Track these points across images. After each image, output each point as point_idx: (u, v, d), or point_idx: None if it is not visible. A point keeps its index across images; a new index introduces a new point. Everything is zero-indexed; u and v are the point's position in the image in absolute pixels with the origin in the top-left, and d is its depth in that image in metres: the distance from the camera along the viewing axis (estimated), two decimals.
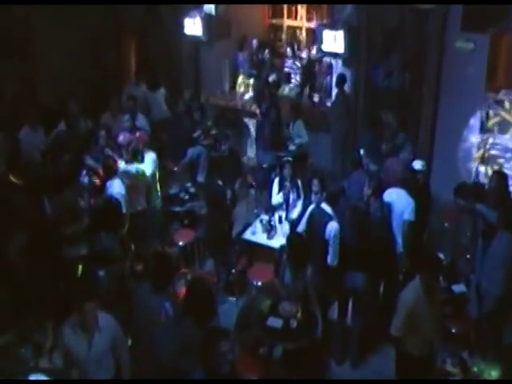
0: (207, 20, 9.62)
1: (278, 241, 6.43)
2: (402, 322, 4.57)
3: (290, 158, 7.11)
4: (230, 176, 7.21)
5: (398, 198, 5.93)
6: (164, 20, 10.23)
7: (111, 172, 6.47)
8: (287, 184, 6.74)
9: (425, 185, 6.60)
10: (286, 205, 6.70)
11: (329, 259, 5.57)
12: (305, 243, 5.35)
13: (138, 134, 7.17)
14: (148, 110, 8.76)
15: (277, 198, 6.82)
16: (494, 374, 4.51)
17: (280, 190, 6.80)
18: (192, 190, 7.52)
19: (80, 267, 5.79)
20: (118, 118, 7.87)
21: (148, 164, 6.90)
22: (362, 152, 7.61)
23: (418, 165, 6.44)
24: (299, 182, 6.76)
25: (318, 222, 5.60)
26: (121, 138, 7.08)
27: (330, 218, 5.53)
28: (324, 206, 5.66)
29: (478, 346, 4.83)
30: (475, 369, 4.60)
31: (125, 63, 10.26)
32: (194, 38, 9.76)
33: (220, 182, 6.70)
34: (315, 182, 5.97)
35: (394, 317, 4.62)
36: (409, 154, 7.06)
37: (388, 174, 6.83)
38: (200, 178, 7.77)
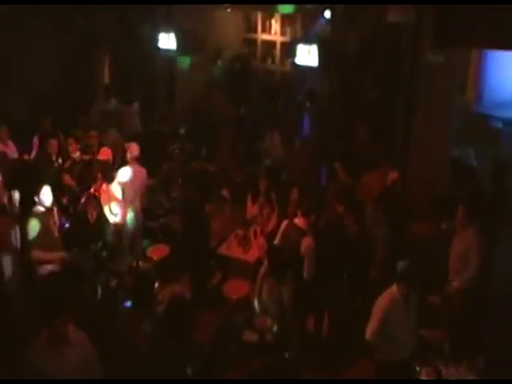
0: (182, 34, 9.64)
1: (254, 255, 6.42)
2: (376, 327, 4.58)
3: (265, 172, 7.13)
4: (206, 192, 7.21)
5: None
6: (138, 34, 10.21)
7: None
8: (262, 197, 6.74)
9: (400, 195, 6.64)
10: (261, 218, 6.69)
11: (304, 274, 5.56)
12: (282, 256, 5.35)
13: (131, 144, 7.10)
14: (121, 124, 8.69)
15: (251, 212, 6.80)
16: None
17: (255, 203, 6.79)
18: (166, 204, 7.45)
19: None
20: (88, 134, 7.80)
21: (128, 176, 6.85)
22: (337, 165, 7.64)
23: (394, 175, 6.47)
24: (274, 196, 6.76)
25: (291, 237, 5.62)
26: (101, 152, 7.05)
27: (304, 233, 5.53)
28: (297, 220, 5.65)
29: (452, 355, 4.84)
30: (450, 379, 4.60)
31: (98, 77, 10.19)
32: (168, 52, 9.77)
33: (195, 197, 6.68)
34: (294, 190, 5.98)
35: (370, 322, 4.64)
36: (388, 168, 7.04)
37: (365, 189, 6.89)
38: (174, 193, 7.70)
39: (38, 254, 5.64)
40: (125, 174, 6.90)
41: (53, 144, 7.50)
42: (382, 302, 4.64)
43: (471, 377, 4.55)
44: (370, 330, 4.62)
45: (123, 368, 4.47)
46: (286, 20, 11.40)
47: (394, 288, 4.64)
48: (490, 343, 4.37)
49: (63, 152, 7.65)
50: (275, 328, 5.21)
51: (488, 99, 11.58)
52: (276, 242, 5.87)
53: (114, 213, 6.69)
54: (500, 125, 10.87)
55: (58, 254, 5.77)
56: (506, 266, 6.43)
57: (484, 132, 10.11)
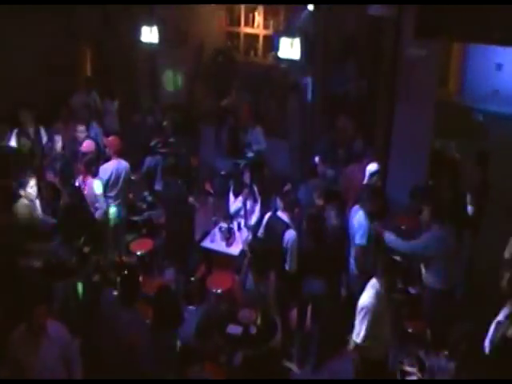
0: (164, 28, 9.56)
1: (237, 248, 6.43)
2: (367, 331, 4.54)
3: (248, 165, 7.13)
4: (189, 185, 7.19)
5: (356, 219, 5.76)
6: (120, 28, 10.11)
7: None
8: (245, 190, 6.75)
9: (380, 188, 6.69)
10: (244, 211, 6.70)
11: (287, 266, 5.58)
12: (265, 248, 5.37)
13: (110, 138, 7.05)
14: (101, 118, 8.61)
15: (235, 204, 6.82)
16: (448, 370, 4.52)
17: (237, 196, 6.80)
18: (149, 198, 7.42)
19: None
20: (69, 127, 7.71)
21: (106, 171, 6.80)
22: (317, 159, 7.67)
23: (372, 167, 6.52)
24: (256, 189, 6.77)
25: (275, 230, 5.62)
26: (84, 145, 6.97)
27: (287, 227, 5.56)
28: (280, 214, 5.69)
29: (432, 344, 4.91)
30: (431, 367, 4.64)
31: (80, 72, 10.08)
32: (150, 46, 9.68)
33: (179, 185, 6.67)
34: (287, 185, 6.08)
35: (358, 326, 4.58)
36: (370, 161, 7.06)
37: (348, 181, 6.92)
38: (158, 187, 7.68)
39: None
40: (107, 168, 6.88)
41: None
42: (366, 305, 4.56)
43: (452, 365, 4.61)
44: (359, 335, 4.56)
45: (107, 362, 4.49)
46: (268, 13, 11.38)
47: (376, 285, 4.64)
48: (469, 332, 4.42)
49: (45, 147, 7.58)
50: (259, 321, 5.23)
51: (469, 92, 11.70)
52: (259, 234, 5.88)
53: (97, 207, 6.64)
54: (481, 117, 11.01)
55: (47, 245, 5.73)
56: (485, 256, 6.52)
57: (465, 124, 10.22)
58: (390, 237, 5.55)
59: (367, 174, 6.52)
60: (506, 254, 5.54)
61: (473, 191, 6.60)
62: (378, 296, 4.59)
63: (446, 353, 4.71)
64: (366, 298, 4.60)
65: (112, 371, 4.38)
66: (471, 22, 7.41)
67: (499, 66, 11.92)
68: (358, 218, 5.69)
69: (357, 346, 4.61)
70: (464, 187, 6.77)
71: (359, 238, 5.61)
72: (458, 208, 6.55)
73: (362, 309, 4.56)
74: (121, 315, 4.46)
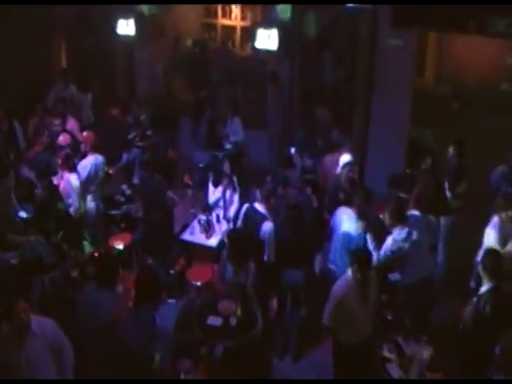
0: (141, 20, 9.45)
1: (217, 240, 6.43)
2: (331, 312, 4.71)
3: (227, 156, 7.13)
4: (168, 178, 7.15)
5: (346, 219, 5.62)
6: (96, 20, 9.98)
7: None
8: (225, 180, 6.74)
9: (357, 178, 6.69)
10: (224, 201, 6.69)
11: (265, 257, 5.59)
12: (244, 238, 5.38)
13: (85, 133, 6.97)
14: (76, 112, 8.50)
15: (214, 195, 6.80)
16: (426, 355, 4.63)
17: (217, 186, 6.79)
18: (128, 192, 7.36)
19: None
20: (46, 121, 7.61)
21: (85, 166, 6.76)
22: (292, 150, 7.67)
23: (345, 158, 6.53)
24: (235, 180, 6.76)
25: (252, 221, 5.63)
26: (61, 138, 6.87)
27: (264, 218, 5.57)
28: (257, 205, 5.69)
29: (411, 330, 4.97)
30: (410, 352, 4.71)
31: (56, 65, 9.93)
32: (127, 39, 9.56)
33: (157, 178, 6.64)
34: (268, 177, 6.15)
35: (326, 307, 4.77)
36: (348, 150, 7.08)
37: (325, 171, 6.94)
38: (136, 180, 7.62)
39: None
40: (86, 164, 6.82)
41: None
42: (336, 289, 4.76)
43: (430, 350, 4.68)
44: (325, 315, 4.74)
45: (92, 346, 4.50)
46: (245, 5, 11.31)
47: (348, 272, 4.75)
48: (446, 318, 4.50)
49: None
50: (239, 312, 5.23)
51: (446, 81, 11.80)
52: (237, 225, 5.87)
53: (74, 202, 6.57)
54: (457, 106, 11.11)
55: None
56: (463, 242, 6.60)
57: (442, 113, 10.31)
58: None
59: (340, 164, 6.53)
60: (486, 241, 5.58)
61: (450, 178, 6.67)
62: (349, 284, 4.69)
63: (425, 338, 4.80)
64: (338, 283, 4.78)
65: (97, 353, 4.42)
66: (446, 11, 7.48)
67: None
68: (351, 219, 5.55)
69: (325, 327, 4.75)
70: (442, 175, 6.85)
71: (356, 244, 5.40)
72: (437, 196, 6.63)
73: (332, 291, 4.75)
74: (101, 299, 4.51)
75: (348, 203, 5.79)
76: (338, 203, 5.97)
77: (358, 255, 4.77)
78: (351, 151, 7.02)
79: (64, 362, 4.15)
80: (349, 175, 6.35)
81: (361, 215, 5.51)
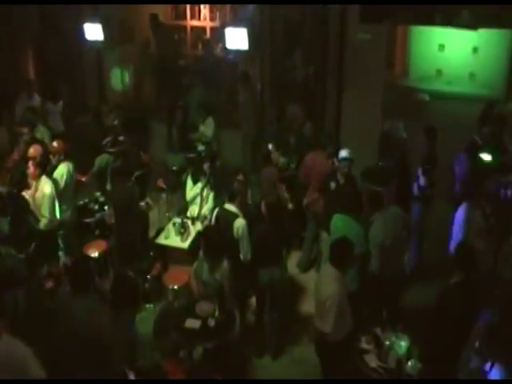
0: (108, 24, 9.37)
1: (191, 240, 6.40)
2: (335, 318, 4.57)
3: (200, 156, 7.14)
4: (141, 183, 7.10)
5: (344, 227, 5.52)
6: (62, 26, 9.86)
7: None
8: (203, 179, 6.74)
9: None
10: (201, 199, 6.68)
11: (241, 255, 5.58)
12: (217, 236, 5.35)
13: (55, 143, 6.89)
14: (46, 121, 8.39)
15: (191, 192, 6.79)
16: (403, 344, 4.67)
17: (194, 184, 6.80)
18: (101, 199, 7.28)
19: None
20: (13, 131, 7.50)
21: (63, 176, 6.70)
22: (270, 146, 7.68)
23: (344, 153, 6.50)
24: (211, 180, 6.75)
25: (224, 222, 5.63)
26: (31, 150, 6.76)
27: (236, 216, 5.56)
28: (228, 206, 5.70)
29: (388, 321, 5.01)
30: (387, 342, 4.76)
31: (22, 73, 9.79)
32: (95, 44, 9.47)
33: (129, 184, 6.58)
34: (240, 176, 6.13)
35: (326, 315, 4.59)
36: (333, 148, 7.06)
37: (308, 169, 6.94)
38: (109, 187, 7.54)
39: None
40: (60, 174, 6.73)
41: None
42: (331, 292, 4.57)
43: (406, 339, 4.72)
44: (330, 324, 4.57)
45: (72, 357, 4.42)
46: (214, 5, 11.30)
47: (332, 270, 4.66)
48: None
49: None
50: (217, 313, 5.21)
51: (414, 73, 11.94)
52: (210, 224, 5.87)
53: (46, 212, 6.48)
54: (427, 97, 11.24)
55: None
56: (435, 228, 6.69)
57: (412, 104, 10.41)
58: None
59: (338, 159, 6.52)
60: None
61: (423, 165, 6.75)
62: (338, 281, 4.65)
63: (401, 328, 4.85)
64: (330, 287, 4.62)
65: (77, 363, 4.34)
66: (413, 5, 7.57)
67: (441, 47, 12.19)
68: (350, 225, 5.51)
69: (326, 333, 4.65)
70: (413, 164, 6.93)
71: (359, 246, 5.25)
72: (407, 186, 6.71)
73: (328, 298, 4.57)
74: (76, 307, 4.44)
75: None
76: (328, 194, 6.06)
77: (340, 246, 4.74)
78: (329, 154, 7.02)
79: (29, 376, 4.03)
80: (345, 170, 6.38)
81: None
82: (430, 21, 8.57)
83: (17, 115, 8.17)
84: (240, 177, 6.28)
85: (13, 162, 7.20)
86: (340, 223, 5.59)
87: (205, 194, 6.73)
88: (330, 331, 4.60)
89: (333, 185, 6.39)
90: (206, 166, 6.82)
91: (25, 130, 7.49)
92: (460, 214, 5.58)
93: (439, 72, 12.33)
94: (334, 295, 4.56)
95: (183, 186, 7.03)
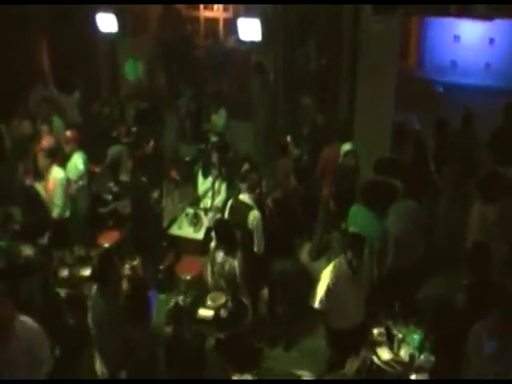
0: (122, 15, 9.37)
1: (204, 232, 6.42)
2: (322, 295, 4.75)
3: (214, 148, 7.15)
4: (155, 174, 7.12)
5: (363, 223, 5.37)
6: (76, 18, 9.88)
7: None
8: (213, 172, 6.74)
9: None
10: (212, 192, 6.70)
11: (255, 247, 5.59)
12: (230, 228, 5.37)
13: (68, 133, 6.94)
14: (61, 112, 8.43)
15: (203, 186, 6.79)
16: (416, 337, 4.69)
17: (206, 177, 6.81)
18: (115, 189, 7.32)
19: None
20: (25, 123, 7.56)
21: (77, 165, 6.75)
22: (288, 138, 7.67)
23: (347, 146, 6.50)
24: (223, 171, 6.76)
25: (238, 213, 5.62)
26: (43, 141, 6.83)
27: (251, 208, 5.56)
28: (242, 196, 5.68)
29: (400, 314, 5.00)
30: (400, 335, 4.76)
31: (36, 66, 9.83)
32: (109, 35, 9.49)
33: (144, 179, 6.61)
34: (245, 165, 6.11)
35: (317, 291, 4.81)
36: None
37: (326, 161, 6.91)
38: (123, 177, 7.59)
39: None
40: (74, 164, 6.81)
41: None
42: (327, 272, 4.80)
43: (419, 332, 4.72)
44: (316, 299, 4.79)
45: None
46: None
47: (341, 258, 4.80)
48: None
49: None
50: (229, 303, 5.24)
51: (429, 64, 11.82)
52: (223, 217, 5.88)
53: (59, 201, 6.54)
54: (441, 89, 11.13)
55: None
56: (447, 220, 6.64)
57: (426, 96, 10.32)
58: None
59: (341, 153, 6.51)
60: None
61: (434, 158, 6.72)
62: (341, 269, 4.73)
63: (414, 321, 4.85)
64: (328, 268, 4.83)
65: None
66: None
67: (456, 38, 12.05)
68: (368, 220, 5.37)
69: (317, 311, 4.81)
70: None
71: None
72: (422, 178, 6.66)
73: (323, 275, 4.80)
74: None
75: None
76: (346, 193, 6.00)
77: (355, 240, 4.77)
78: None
79: (39, 362, 4.11)
80: (350, 163, 6.35)
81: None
82: (445, 12, 8.46)
83: (31, 106, 8.21)
84: (246, 166, 6.29)
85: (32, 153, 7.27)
86: (359, 219, 5.46)
87: (217, 185, 6.75)
88: (316, 307, 4.81)
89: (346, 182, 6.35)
90: (214, 158, 6.82)
91: (39, 121, 7.56)
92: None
93: (454, 63, 12.19)
94: (328, 276, 4.74)
95: (195, 177, 7.06)
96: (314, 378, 4.70)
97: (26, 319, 4.13)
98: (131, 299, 4.54)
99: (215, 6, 11.53)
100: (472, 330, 3.98)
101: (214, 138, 7.57)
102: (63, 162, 6.83)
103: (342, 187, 6.30)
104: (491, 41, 11.87)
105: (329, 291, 4.72)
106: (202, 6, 11.57)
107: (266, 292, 5.98)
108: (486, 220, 5.32)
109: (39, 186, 6.57)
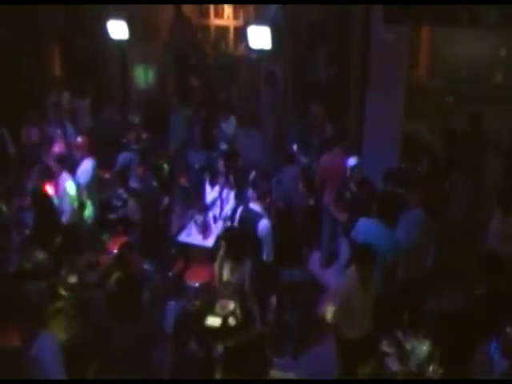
0: (133, 22, 9.45)
1: (214, 240, 6.42)
2: (338, 309, 4.76)
3: (222, 155, 7.17)
4: (164, 180, 7.16)
5: (375, 235, 5.25)
6: (87, 25, 9.98)
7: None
8: (221, 180, 6.74)
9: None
10: (220, 201, 6.70)
11: (264, 256, 5.58)
12: (239, 237, 5.37)
13: (79, 139, 7.00)
14: (73, 118, 8.52)
15: (211, 194, 6.80)
16: (424, 349, 4.65)
17: (213, 186, 6.82)
18: (125, 196, 7.36)
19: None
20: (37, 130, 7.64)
21: (87, 171, 6.81)
22: (295, 147, 7.68)
23: (352, 161, 6.51)
24: (232, 179, 6.77)
25: (248, 221, 5.61)
26: (56, 148, 6.89)
27: (260, 217, 5.55)
28: (252, 205, 5.68)
29: (410, 325, 4.97)
30: (408, 347, 4.73)
31: (48, 71, 9.93)
32: (120, 42, 9.57)
33: (155, 184, 6.64)
34: (253, 174, 6.11)
35: (331, 303, 4.90)
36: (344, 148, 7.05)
37: (324, 170, 6.92)
38: (132, 184, 7.63)
39: None
40: (84, 170, 6.87)
41: None
42: (343, 284, 4.82)
43: (428, 342, 4.69)
44: (332, 313, 4.80)
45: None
46: (238, 4, 11.30)
47: (353, 269, 4.78)
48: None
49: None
50: (238, 311, 5.23)
51: (439, 74, 11.80)
52: (233, 225, 5.87)
53: (68, 208, 6.58)
54: (451, 99, 11.12)
55: None
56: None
57: (436, 106, 10.30)
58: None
59: (348, 168, 6.50)
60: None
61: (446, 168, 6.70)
62: (354, 280, 4.69)
63: (423, 332, 4.81)
64: (344, 280, 4.83)
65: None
66: (439, 5, 7.46)
67: (467, 47, 12.02)
68: (380, 233, 5.27)
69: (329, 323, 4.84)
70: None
71: (391, 254, 5.19)
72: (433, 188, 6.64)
73: (334, 290, 4.88)
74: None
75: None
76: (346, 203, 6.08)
77: (366, 252, 4.75)
78: (347, 149, 7.01)
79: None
80: (358, 178, 6.38)
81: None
82: (455, 21, 8.46)
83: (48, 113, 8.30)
84: (252, 174, 6.31)
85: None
86: (374, 232, 5.35)
87: (224, 194, 6.77)
88: (331, 320, 4.86)
89: (348, 194, 6.37)
90: (220, 165, 6.84)
91: (53, 128, 7.63)
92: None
93: (464, 73, 12.17)
94: (341, 290, 4.77)
95: (204, 185, 7.08)
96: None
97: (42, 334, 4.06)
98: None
99: (225, 14, 11.59)
100: (483, 348, 3.95)
101: (223, 146, 7.59)
102: (73, 167, 6.89)
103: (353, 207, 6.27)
104: (502, 50, 11.87)
105: (344, 302, 4.73)
106: (212, 15, 11.63)
107: (274, 300, 5.95)
108: (507, 231, 5.30)
109: (49, 192, 6.61)
